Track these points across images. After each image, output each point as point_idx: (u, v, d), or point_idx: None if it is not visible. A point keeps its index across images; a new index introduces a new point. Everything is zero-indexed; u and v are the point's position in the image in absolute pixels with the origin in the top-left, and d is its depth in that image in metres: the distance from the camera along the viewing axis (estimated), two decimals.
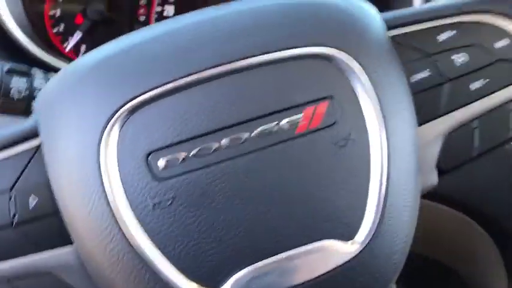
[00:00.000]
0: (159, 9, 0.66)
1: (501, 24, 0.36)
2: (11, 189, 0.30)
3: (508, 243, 0.41)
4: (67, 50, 0.65)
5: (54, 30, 0.65)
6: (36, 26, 0.63)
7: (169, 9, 0.66)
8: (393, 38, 0.34)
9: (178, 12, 0.66)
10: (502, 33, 0.36)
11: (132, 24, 0.66)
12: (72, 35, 0.65)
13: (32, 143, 0.31)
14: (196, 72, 0.30)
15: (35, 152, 0.31)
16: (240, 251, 0.29)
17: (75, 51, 0.65)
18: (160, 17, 0.66)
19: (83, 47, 0.66)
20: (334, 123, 0.31)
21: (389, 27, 0.34)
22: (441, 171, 0.35)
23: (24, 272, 0.31)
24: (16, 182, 0.30)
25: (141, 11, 0.66)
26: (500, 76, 0.35)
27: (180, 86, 0.30)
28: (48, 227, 0.30)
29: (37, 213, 0.30)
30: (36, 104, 0.32)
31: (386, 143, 0.31)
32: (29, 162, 0.31)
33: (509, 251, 0.41)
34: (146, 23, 0.66)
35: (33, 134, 0.31)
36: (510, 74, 0.36)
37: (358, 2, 0.35)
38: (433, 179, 0.35)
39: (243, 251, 0.29)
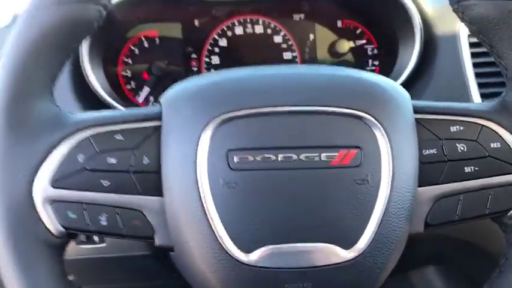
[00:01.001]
0: (207, 59, 0.79)
1: (497, 130, 0.46)
2: (133, 149, 0.43)
3: None
4: (140, 101, 0.78)
5: (128, 87, 0.78)
6: (113, 84, 0.76)
7: (215, 59, 0.79)
8: (418, 119, 0.46)
9: (222, 61, 0.79)
10: (496, 137, 0.46)
11: (187, 74, 0.78)
12: (141, 89, 0.78)
13: (156, 123, 0.44)
14: (269, 106, 0.43)
15: (155, 130, 0.43)
16: (270, 233, 0.42)
17: (146, 102, 0.78)
18: (209, 65, 0.79)
19: (151, 98, 0.78)
20: (358, 165, 0.42)
21: (417, 111, 0.46)
22: (428, 224, 0.46)
23: (126, 205, 0.43)
24: (139, 144, 0.43)
25: (193, 63, 0.79)
26: (488, 168, 0.46)
27: (257, 113, 0.42)
28: (150, 180, 0.43)
29: (146, 169, 0.43)
30: (162, 99, 0.45)
31: (391, 191, 0.43)
32: (150, 134, 0.43)
33: None
34: (198, 71, 0.79)
35: (158, 117, 0.44)
36: (495, 169, 0.46)
37: (396, 86, 0.46)
38: (420, 228, 0.46)
39: (272, 234, 0.42)
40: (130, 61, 0.78)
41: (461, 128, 0.46)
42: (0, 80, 0.41)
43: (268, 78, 0.45)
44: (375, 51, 0.81)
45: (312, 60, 0.80)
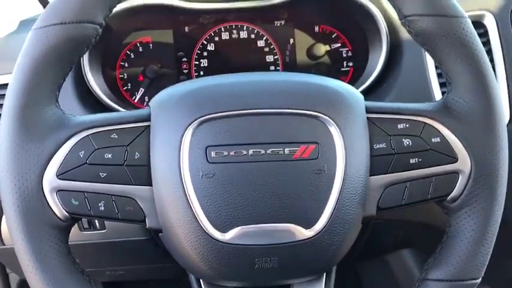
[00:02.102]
0: (197, 62, 0.86)
1: (438, 127, 0.53)
2: (126, 146, 0.50)
3: None
4: (135, 101, 0.85)
5: (124, 88, 0.85)
6: (111, 87, 0.83)
7: (204, 62, 0.86)
8: (370, 118, 0.53)
9: (210, 63, 0.86)
10: (437, 133, 0.53)
11: (178, 76, 0.86)
12: (137, 90, 0.85)
13: (145, 124, 0.51)
14: (241, 109, 0.50)
15: (145, 129, 0.51)
16: (242, 216, 0.49)
17: (141, 101, 0.85)
18: (198, 67, 0.86)
19: (146, 98, 0.85)
20: (316, 158, 0.50)
21: (369, 111, 0.53)
22: (379, 208, 0.53)
23: (121, 193, 0.50)
24: (131, 142, 0.50)
25: (184, 65, 0.86)
26: (429, 159, 0.53)
27: (231, 114, 0.50)
28: (141, 172, 0.50)
29: (137, 163, 0.50)
30: (150, 103, 0.53)
31: (344, 179, 0.50)
32: (140, 133, 0.51)
33: None
34: (189, 73, 0.86)
35: (147, 118, 0.51)
36: (436, 160, 0.52)
37: (350, 89, 0.54)
38: (372, 211, 0.53)
39: (244, 216, 0.49)
40: (126, 65, 0.85)
41: (407, 125, 0.53)
42: (13, 90, 0.49)
43: (241, 84, 0.52)
44: (349, 54, 0.88)
45: (292, 62, 0.88)
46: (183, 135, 0.49)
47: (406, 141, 0.53)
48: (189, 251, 0.50)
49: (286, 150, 0.50)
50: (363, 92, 0.79)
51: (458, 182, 0.53)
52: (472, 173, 0.53)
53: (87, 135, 0.50)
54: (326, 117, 0.51)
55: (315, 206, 0.50)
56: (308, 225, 0.50)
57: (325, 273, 0.57)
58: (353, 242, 0.54)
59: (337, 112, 0.51)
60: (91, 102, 0.78)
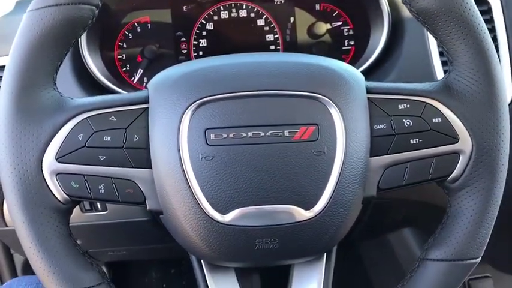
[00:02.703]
0: (195, 42, 0.85)
1: (439, 107, 0.53)
2: (125, 128, 0.50)
3: None
4: (134, 82, 0.85)
5: (123, 69, 0.85)
6: (110, 68, 0.82)
7: (203, 42, 0.85)
8: (370, 98, 0.53)
9: (209, 43, 0.85)
10: (438, 113, 0.53)
11: (177, 56, 0.85)
12: (136, 71, 0.84)
13: (143, 106, 0.51)
14: (240, 91, 0.50)
15: (143, 111, 0.51)
16: (242, 197, 0.49)
17: (140, 82, 0.85)
18: (198, 47, 0.85)
19: (145, 79, 0.85)
20: (316, 139, 0.50)
21: (369, 92, 0.53)
22: (380, 189, 0.53)
23: (121, 176, 0.50)
24: (130, 124, 0.50)
25: (183, 45, 0.85)
26: (430, 140, 0.52)
27: (229, 97, 0.49)
28: (140, 155, 0.50)
29: (136, 145, 0.50)
30: (149, 85, 0.52)
31: (344, 161, 0.50)
32: (139, 115, 0.51)
33: None
34: (188, 54, 0.85)
35: (145, 100, 0.51)
36: (436, 140, 0.53)
37: (350, 70, 0.53)
38: (373, 192, 0.53)
39: (244, 197, 0.49)
40: (125, 45, 0.85)
41: (408, 105, 0.53)
42: (10, 73, 0.48)
43: (239, 66, 0.52)
44: (351, 32, 0.87)
45: (293, 41, 0.87)
46: (181, 118, 0.49)
47: (407, 122, 0.52)
48: (190, 232, 0.50)
49: (286, 132, 0.49)
50: (364, 72, 0.79)
51: (459, 163, 0.53)
52: (473, 154, 0.52)
53: (86, 118, 0.50)
54: (326, 98, 0.50)
55: (314, 188, 0.50)
56: (308, 207, 0.50)
57: (325, 254, 0.57)
58: (353, 223, 0.54)
59: (337, 93, 0.51)
60: (89, 84, 0.78)
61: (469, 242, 0.53)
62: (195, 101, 0.49)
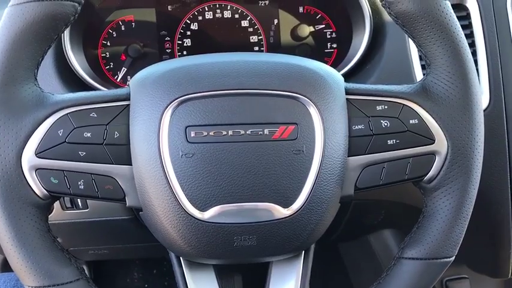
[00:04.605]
0: (180, 42, 0.85)
1: (416, 109, 0.54)
2: (106, 125, 0.50)
3: None
4: (118, 80, 0.85)
5: (107, 67, 0.85)
6: (93, 66, 0.82)
7: (187, 41, 0.85)
8: (349, 99, 0.53)
9: (194, 43, 0.86)
10: (415, 114, 0.54)
11: (161, 55, 0.85)
12: (120, 69, 0.84)
13: (124, 102, 0.51)
14: (221, 89, 0.50)
15: (124, 108, 0.51)
16: (221, 195, 0.50)
17: (124, 81, 0.85)
18: (182, 47, 0.85)
19: (129, 77, 0.84)
20: (295, 138, 0.50)
21: (348, 93, 0.54)
22: (357, 188, 0.54)
23: (101, 172, 0.50)
24: (110, 121, 0.50)
25: (167, 45, 0.85)
26: (407, 141, 0.54)
27: (210, 95, 0.50)
28: (120, 151, 0.50)
29: (116, 142, 0.50)
30: (130, 82, 0.52)
31: (322, 160, 0.51)
32: (120, 112, 0.51)
33: None
34: (172, 53, 0.85)
35: (127, 97, 0.51)
36: (413, 141, 0.54)
37: (330, 71, 0.54)
38: (350, 191, 0.54)
39: (223, 195, 0.50)
40: (109, 44, 0.85)
41: (386, 107, 0.54)
42: None
43: (221, 65, 0.52)
44: (333, 35, 0.88)
45: (276, 42, 0.87)
46: (162, 115, 0.49)
47: (384, 123, 0.54)
48: (169, 229, 0.51)
49: (266, 131, 0.50)
50: (346, 74, 0.81)
51: (435, 163, 0.54)
52: (449, 155, 0.54)
53: (66, 114, 0.50)
54: (305, 99, 0.51)
55: (293, 186, 0.51)
56: (286, 204, 0.51)
57: (303, 252, 0.58)
58: (331, 221, 0.55)
59: (316, 93, 0.52)
60: (72, 81, 0.77)
61: (443, 241, 0.54)
62: (176, 99, 0.50)
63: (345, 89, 0.54)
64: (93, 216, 0.81)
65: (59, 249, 0.51)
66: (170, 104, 0.49)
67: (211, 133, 0.50)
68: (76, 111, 0.51)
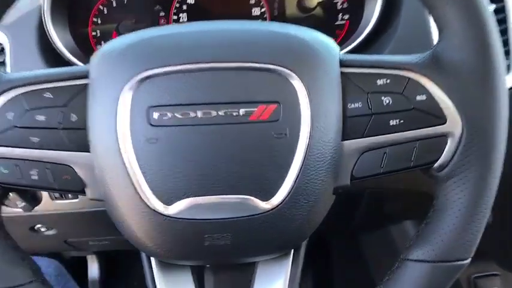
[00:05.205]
0: (175, 17, 0.78)
1: (424, 82, 0.45)
2: (63, 106, 0.44)
3: None
4: None
5: (98, 47, 0.79)
6: (82, 44, 0.77)
7: (183, 16, 0.78)
8: (344, 73, 0.45)
9: (190, 18, 0.78)
10: (423, 89, 0.45)
11: None
12: None
13: (83, 81, 0.45)
14: (188, 63, 0.43)
15: (83, 88, 0.45)
16: (190, 186, 0.43)
17: None
18: (178, 23, 0.78)
19: None
20: (277, 120, 0.43)
21: (344, 65, 0.45)
22: (354, 177, 0.46)
23: (56, 160, 0.44)
24: (67, 102, 0.44)
25: (162, 21, 0.78)
26: (413, 120, 0.45)
27: (177, 70, 0.43)
28: (79, 136, 0.44)
29: (74, 126, 0.44)
30: (92, 57, 0.46)
31: (309, 144, 0.43)
32: (78, 92, 0.45)
33: None
34: None
35: (85, 75, 0.45)
36: (420, 121, 0.45)
37: (321, 39, 0.46)
38: (346, 181, 0.46)
39: (192, 186, 0.43)
40: (99, 21, 0.79)
41: (388, 80, 0.46)
42: None
43: (190, 35, 0.45)
44: (345, 5, 0.79)
45: (281, 15, 0.79)
46: (121, 94, 0.43)
47: (386, 100, 0.45)
48: (132, 226, 0.44)
49: (242, 111, 0.43)
50: (358, 47, 0.72)
51: (447, 147, 0.45)
52: (464, 137, 0.45)
53: (19, 94, 0.44)
54: (289, 72, 0.43)
55: (274, 176, 0.43)
56: (266, 197, 0.43)
57: (292, 251, 0.51)
58: (324, 215, 0.47)
59: (303, 65, 0.44)
60: (57, 62, 0.72)
61: (456, 241, 0.45)
62: (138, 75, 0.43)
63: (340, 61, 0.46)
64: (85, 207, 0.76)
65: (11, 248, 0.46)
66: (130, 80, 0.43)
67: (178, 114, 0.43)
68: (30, 91, 0.45)
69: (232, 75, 0.43)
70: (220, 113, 0.43)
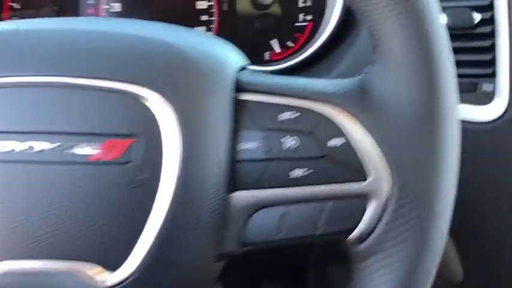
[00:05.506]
0: (107, 6, 0.67)
1: (341, 122, 0.33)
2: None
3: None
4: None
5: None
6: None
7: (116, 6, 0.67)
8: (240, 101, 0.34)
9: (124, 8, 0.67)
10: (340, 131, 0.33)
11: None
12: None
13: None
14: (21, 75, 0.32)
15: None
16: (5, 245, 0.31)
17: None
18: (109, 13, 0.67)
19: None
20: (129, 161, 0.31)
21: (241, 88, 0.34)
22: (242, 243, 0.34)
23: None
24: None
25: (90, 10, 0.68)
26: (323, 172, 0.33)
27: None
28: None
29: None
30: None
31: (175, 197, 0.31)
32: None
33: None
34: None
35: None
36: (333, 174, 0.33)
37: (215, 53, 0.35)
38: (231, 247, 0.34)
39: (7, 246, 0.31)
40: (18, 6, 0.68)
41: (297, 114, 0.33)
42: None
43: (30, 35, 0.34)
44: (308, 3, 0.66)
45: (231, 11, 0.67)
46: None
47: (291, 141, 0.33)
48: None
49: (78, 148, 0.31)
50: (315, 55, 0.60)
51: (368, 212, 0.33)
52: (392, 200, 0.33)
53: None
54: (153, 93, 0.31)
55: (122, 238, 0.31)
56: (111, 267, 0.32)
57: None
58: None
59: (175, 86, 0.32)
60: None
61: None
62: None
63: (237, 83, 0.34)
64: None
65: None
66: None
67: None
68: None
69: (76, 94, 0.32)
70: (46, 148, 0.31)
